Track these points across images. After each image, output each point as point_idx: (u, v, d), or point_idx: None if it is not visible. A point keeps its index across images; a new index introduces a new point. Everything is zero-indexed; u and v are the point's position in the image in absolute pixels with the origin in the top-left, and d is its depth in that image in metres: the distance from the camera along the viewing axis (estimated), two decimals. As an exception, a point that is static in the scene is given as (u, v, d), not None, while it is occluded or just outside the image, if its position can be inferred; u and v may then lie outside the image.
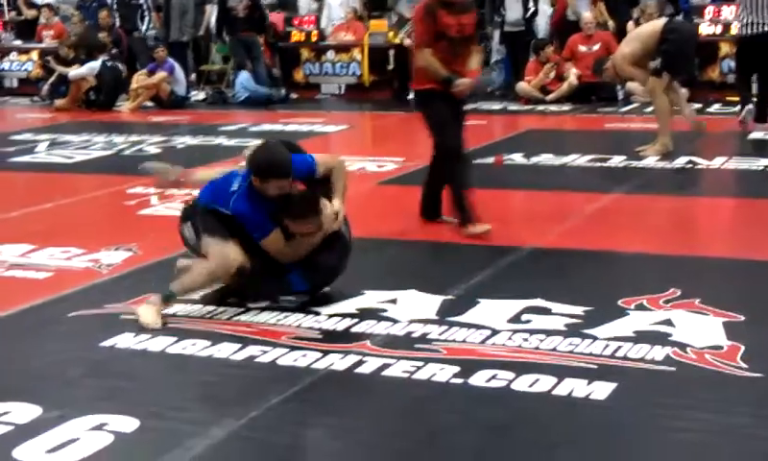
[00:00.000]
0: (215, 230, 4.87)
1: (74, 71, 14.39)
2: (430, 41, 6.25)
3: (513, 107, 13.12)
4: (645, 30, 9.04)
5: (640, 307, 4.74)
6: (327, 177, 5.04)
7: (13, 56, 17.31)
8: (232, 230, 4.86)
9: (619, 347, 4.23)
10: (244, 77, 14.41)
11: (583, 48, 13.21)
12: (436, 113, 6.34)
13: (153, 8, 16.43)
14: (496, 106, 13.20)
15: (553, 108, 12.89)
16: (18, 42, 17.62)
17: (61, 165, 9.68)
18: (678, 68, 8.91)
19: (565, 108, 12.82)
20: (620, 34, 12.38)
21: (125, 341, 4.50)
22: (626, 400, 3.73)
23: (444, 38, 6.22)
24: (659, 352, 4.16)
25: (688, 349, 4.20)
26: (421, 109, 6.54)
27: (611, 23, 13.82)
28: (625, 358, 4.12)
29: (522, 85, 13.40)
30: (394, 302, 4.92)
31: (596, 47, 12.93)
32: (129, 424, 3.60)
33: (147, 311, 4.69)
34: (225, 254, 4.81)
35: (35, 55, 16.83)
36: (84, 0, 17.06)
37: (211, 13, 16.13)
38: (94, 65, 14.20)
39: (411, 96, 14.16)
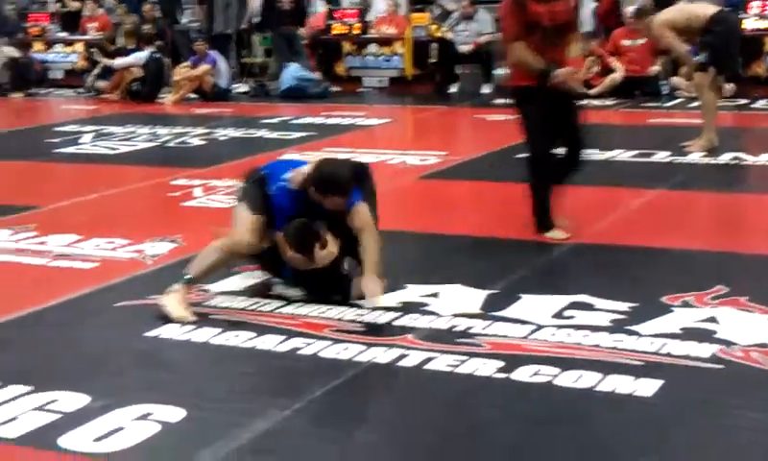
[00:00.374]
0: (250, 202, 4.93)
1: (120, 60, 14.55)
2: (522, 34, 5.82)
3: (555, 101, 13.02)
4: (695, 9, 8.83)
5: (686, 304, 4.70)
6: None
7: (59, 47, 17.43)
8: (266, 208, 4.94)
9: (664, 344, 4.19)
10: (293, 67, 14.43)
11: (627, 42, 13.09)
12: (531, 116, 5.98)
13: (195, 0, 16.50)
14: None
15: (596, 102, 12.78)
16: (63, 34, 17.75)
17: (106, 156, 9.77)
18: (723, 63, 8.80)
19: (609, 102, 12.72)
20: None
21: (169, 331, 4.54)
22: (673, 398, 3.70)
23: (537, 29, 5.80)
24: (705, 350, 4.12)
25: (735, 346, 4.16)
26: (517, 109, 6.11)
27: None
28: (670, 355, 4.09)
29: (565, 80, 13.28)
30: (436, 296, 4.92)
31: (641, 42, 12.79)
32: (174, 413, 3.63)
33: (174, 305, 4.68)
34: (239, 237, 4.87)
35: (79, 46, 16.97)
36: (126, -8, 17.20)
37: (254, 5, 16.18)
38: (140, 55, 14.32)
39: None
